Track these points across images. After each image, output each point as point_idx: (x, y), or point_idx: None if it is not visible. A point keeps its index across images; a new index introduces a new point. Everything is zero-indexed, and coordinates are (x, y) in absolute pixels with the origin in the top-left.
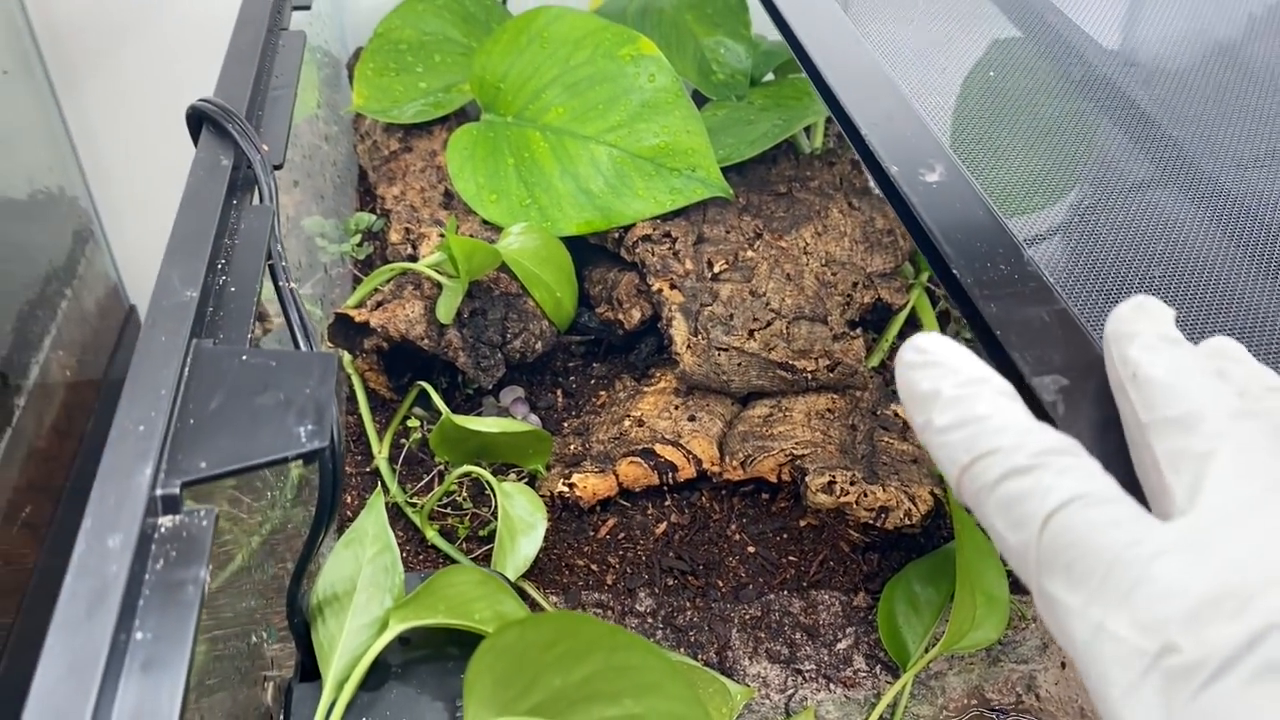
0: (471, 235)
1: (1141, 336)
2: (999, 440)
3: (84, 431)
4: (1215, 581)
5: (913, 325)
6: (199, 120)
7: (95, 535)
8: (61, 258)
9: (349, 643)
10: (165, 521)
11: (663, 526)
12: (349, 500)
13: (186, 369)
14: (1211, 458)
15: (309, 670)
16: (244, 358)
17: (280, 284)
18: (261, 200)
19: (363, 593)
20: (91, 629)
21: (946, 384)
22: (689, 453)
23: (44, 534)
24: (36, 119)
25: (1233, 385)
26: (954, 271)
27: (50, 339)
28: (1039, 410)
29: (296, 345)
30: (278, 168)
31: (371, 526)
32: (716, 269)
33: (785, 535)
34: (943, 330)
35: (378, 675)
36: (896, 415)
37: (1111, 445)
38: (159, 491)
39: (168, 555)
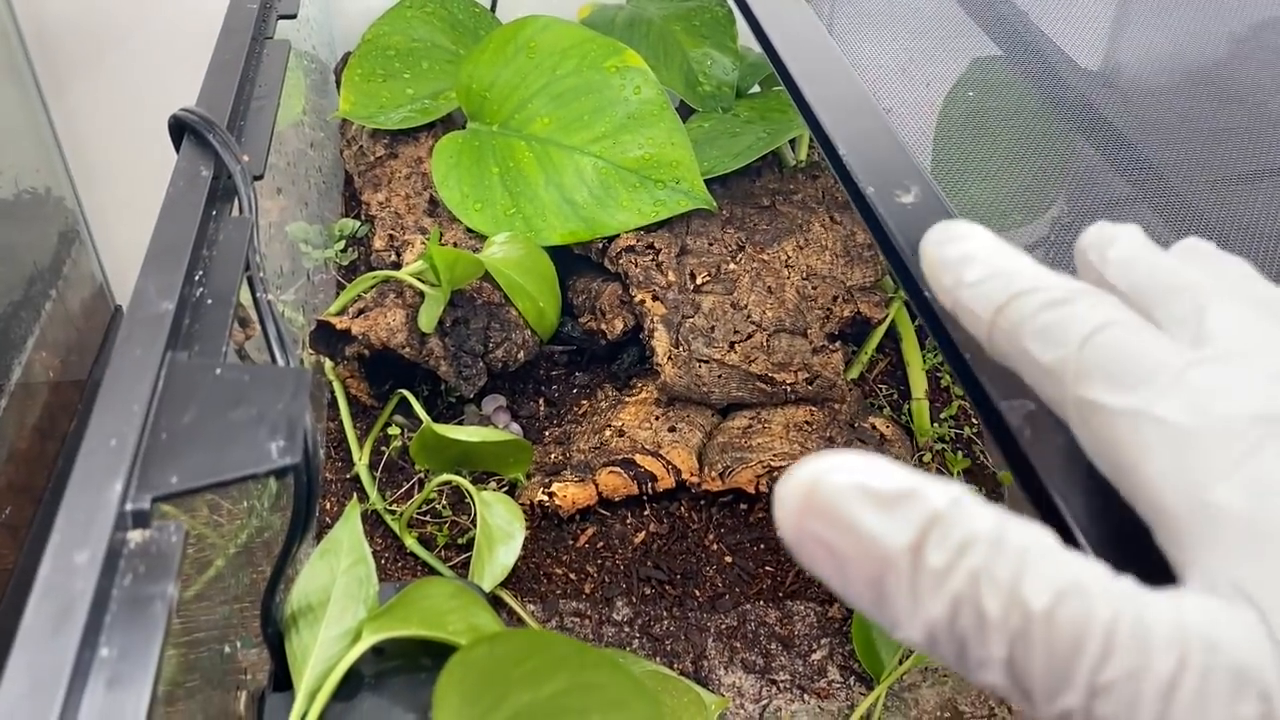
0: (456, 243)
1: (1118, 241)
2: (1035, 281)
3: (66, 433)
4: (1252, 378)
5: (891, 338)
6: (180, 129)
7: (63, 551)
8: (47, 258)
9: (322, 653)
10: (135, 536)
11: (641, 536)
12: (329, 506)
13: (161, 382)
14: (1207, 309)
15: (282, 680)
16: (218, 372)
17: (258, 296)
18: (241, 211)
19: (337, 604)
20: (56, 646)
21: (978, 251)
22: (668, 463)
23: (23, 536)
24: (23, 120)
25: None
26: (925, 294)
27: (34, 339)
28: (1006, 435)
29: (273, 358)
30: (258, 178)
31: (347, 538)
32: (699, 281)
33: (762, 546)
34: (921, 348)
35: (350, 685)
36: (874, 428)
37: (1080, 470)
38: (129, 506)
39: (136, 571)
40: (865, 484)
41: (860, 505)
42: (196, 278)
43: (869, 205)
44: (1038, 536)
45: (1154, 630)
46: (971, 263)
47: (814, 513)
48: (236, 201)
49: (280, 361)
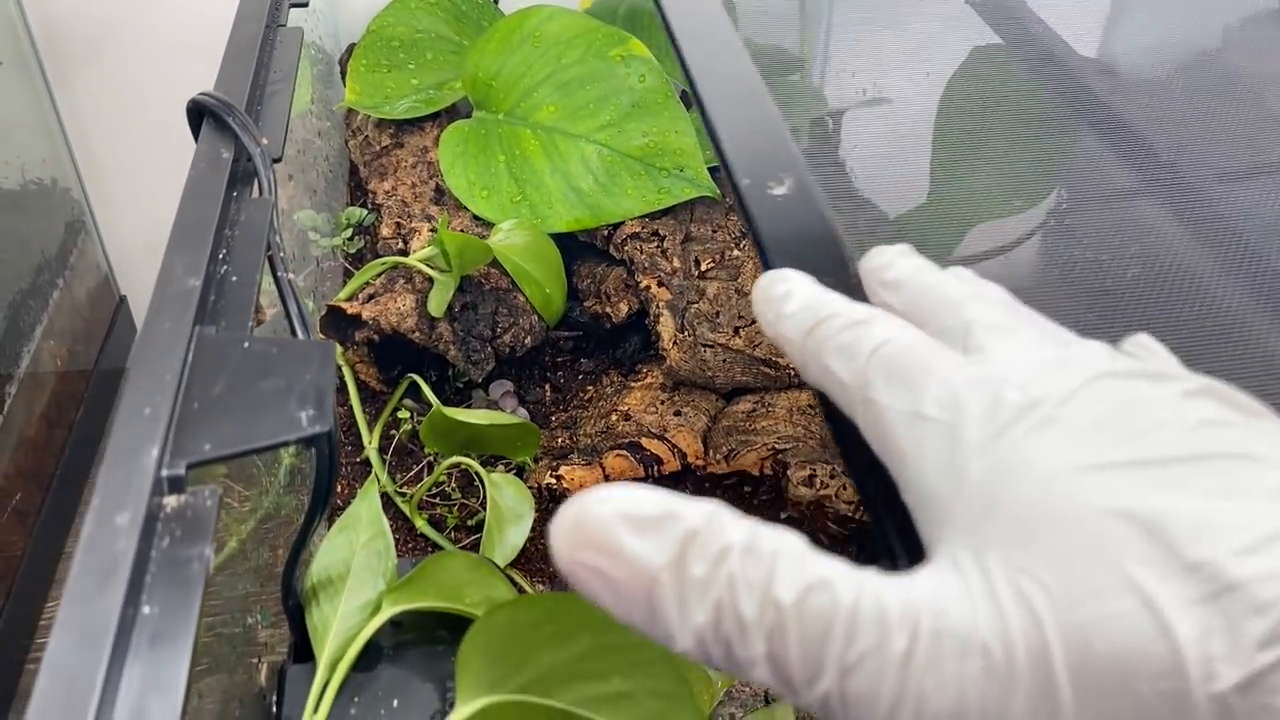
0: (462, 231)
1: (894, 265)
2: (838, 309)
3: (74, 420)
4: (1002, 371)
5: None
6: (199, 113)
7: (104, 513)
8: (53, 248)
9: (342, 625)
10: (171, 501)
11: None
12: (339, 489)
13: (190, 355)
14: (973, 321)
15: (302, 652)
16: (246, 345)
17: (279, 275)
18: (261, 193)
19: (356, 577)
20: (102, 603)
21: (796, 290)
22: (674, 446)
23: (33, 522)
24: (30, 111)
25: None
26: None
27: (41, 328)
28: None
29: (294, 334)
30: (276, 161)
31: (365, 512)
32: (704, 267)
33: None
34: None
35: (370, 657)
36: None
37: None
38: (165, 472)
39: (173, 533)
40: (626, 510)
41: (623, 530)
42: (220, 256)
43: (740, 196)
44: (786, 541)
45: (890, 608)
46: (789, 298)
47: (582, 543)
48: (256, 183)
49: (302, 337)
